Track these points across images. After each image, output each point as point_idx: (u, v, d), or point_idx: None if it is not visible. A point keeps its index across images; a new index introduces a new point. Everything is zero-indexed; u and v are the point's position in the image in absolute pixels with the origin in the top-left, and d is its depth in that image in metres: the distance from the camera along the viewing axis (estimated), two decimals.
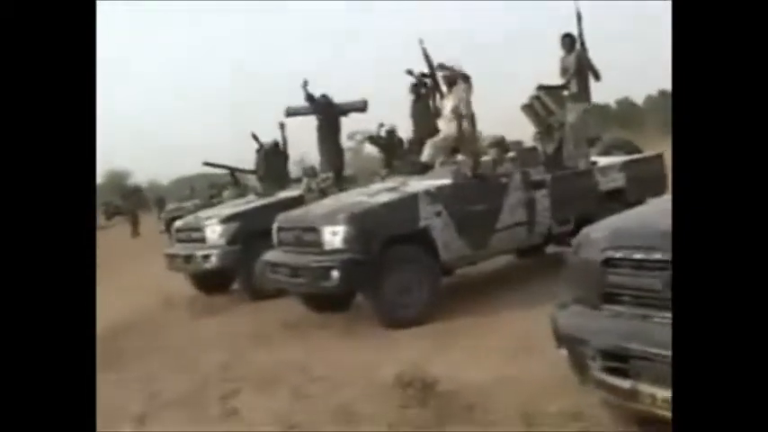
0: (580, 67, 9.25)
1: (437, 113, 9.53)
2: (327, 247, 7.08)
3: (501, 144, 8.51)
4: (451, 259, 7.63)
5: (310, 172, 11.80)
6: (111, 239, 29.51)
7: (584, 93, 9.32)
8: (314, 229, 7.29)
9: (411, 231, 7.31)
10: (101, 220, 47.50)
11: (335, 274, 6.88)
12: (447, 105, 9.10)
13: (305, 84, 11.68)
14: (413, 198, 7.42)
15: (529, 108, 9.57)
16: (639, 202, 9.64)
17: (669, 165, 9.58)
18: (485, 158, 8.13)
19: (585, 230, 4.01)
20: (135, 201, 35.61)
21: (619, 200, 9.00)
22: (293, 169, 14.04)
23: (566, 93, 9.53)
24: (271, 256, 7.97)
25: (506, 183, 8.05)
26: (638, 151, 10.80)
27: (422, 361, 6.03)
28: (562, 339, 3.86)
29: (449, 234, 7.46)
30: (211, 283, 10.59)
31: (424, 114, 11.59)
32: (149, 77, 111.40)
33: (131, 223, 31.22)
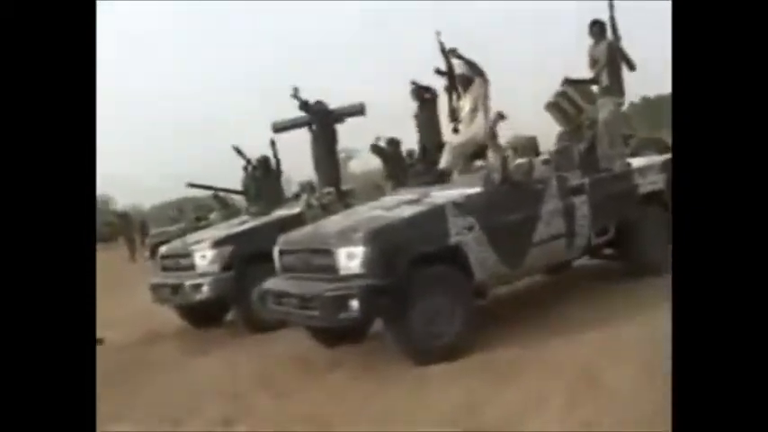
0: (612, 58, 8.20)
1: (454, 115, 8.46)
2: (343, 272, 5.94)
3: (531, 145, 7.46)
4: (486, 279, 6.53)
5: (308, 187, 10.74)
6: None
7: (616, 86, 8.27)
8: (326, 252, 6.15)
9: (440, 249, 6.19)
10: None
11: (355, 303, 5.73)
12: (464, 106, 8.13)
13: (296, 91, 10.65)
14: (440, 210, 6.31)
15: (554, 106, 8.50)
16: None
17: None
18: (518, 161, 7.05)
19: None
20: (126, 224, 33.62)
21: (657, 204, 8.02)
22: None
23: (594, 87, 8.49)
24: (273, 283, 6.82)
25: (542, 189, 6.98)
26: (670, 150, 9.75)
27: (467, 407, 4.98)
28: None
29: (483, 251, 6.35)
30: (203, 315, 9.41)
31: (431, 121, 10.66)
32: (125, 95, 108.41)
33: (129, 248, 29.61)
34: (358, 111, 11.37)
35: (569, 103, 8.43)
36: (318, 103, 10.79)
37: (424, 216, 6.32)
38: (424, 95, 10.73)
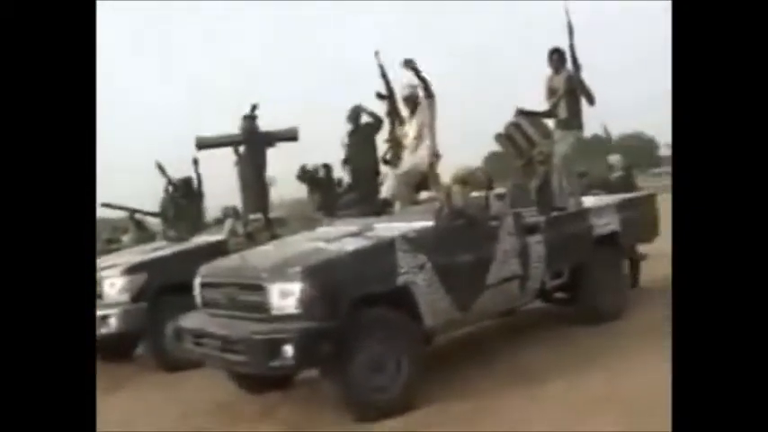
0: (571, 89, 7.67)
1: (397, 142, 7.82)
2: (276, 312, 5.12)
3: (484, 178, 6.83)
4: (436, 325, 5.82)
5: (232, 213, 9.87)
6: None
7: (575, 119, 7.74)
8: (256, 287, 5.32)
9: (388, 290, 5.46)
10: None
11: (289, 349, 4.90)
12: (409, 132, 7.49)
13: (253, 108, 9.82)
14: (388, 246, 5.56)
15: (506, 138, 7.93)
16: (632, 248, 8.48)
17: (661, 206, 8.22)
18: (474, 194, 6.39)
19: None
20: None
21: (611, 246, 7.60)
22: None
23: (550, 120, 7.95)
24: (192, 321, 5.94)
25: (497, 226, 6.34)
26: (628, 189, 9.20)
27: None
28: None
29: (434, 292, 5.64)
30: (110, 349, 8.41)
31: (367, 146, 9.93)
32: None
33: None
34: (291, 136, 10.55)
35: (522, 135, 7.87)
36: (250, 119, 9.88)
37: (371, 251, 5.59)
38: (359, 119, 9.99)
